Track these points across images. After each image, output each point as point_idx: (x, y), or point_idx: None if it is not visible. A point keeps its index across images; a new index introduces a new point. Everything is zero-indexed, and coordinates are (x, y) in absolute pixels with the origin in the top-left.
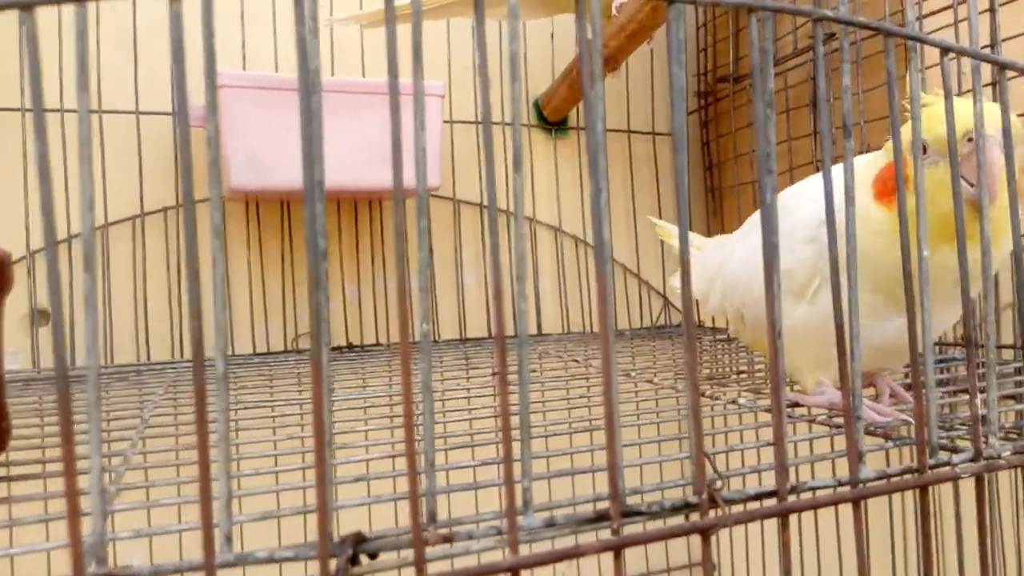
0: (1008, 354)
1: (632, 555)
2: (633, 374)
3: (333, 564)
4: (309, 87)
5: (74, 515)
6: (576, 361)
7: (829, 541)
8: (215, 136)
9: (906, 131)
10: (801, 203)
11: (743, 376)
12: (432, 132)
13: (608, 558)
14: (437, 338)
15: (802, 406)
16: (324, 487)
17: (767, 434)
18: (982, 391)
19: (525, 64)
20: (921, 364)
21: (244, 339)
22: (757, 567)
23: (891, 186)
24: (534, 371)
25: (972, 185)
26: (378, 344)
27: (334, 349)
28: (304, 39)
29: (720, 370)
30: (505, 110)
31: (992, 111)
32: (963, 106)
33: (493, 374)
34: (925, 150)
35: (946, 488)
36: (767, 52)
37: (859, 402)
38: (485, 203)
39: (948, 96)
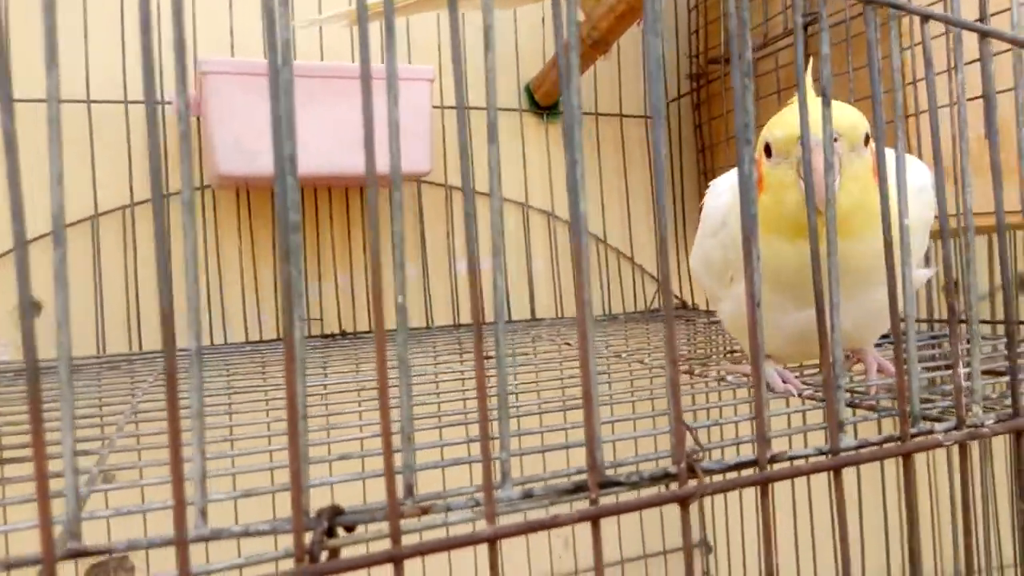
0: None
1: (628, 539)
2: (624, 355)
3: (309, 537)
4: (278, 59)
5: (43, 496)
6: (569, 344)
7: (823, 513)
8: (185, 111)
9: (761, 137)
10: (710, 197)
11: (736, 355)
12: (421, 116)
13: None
14: (430, 323)
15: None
16: (298, 461)
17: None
18: (968, 365)
19: (516, 50)
20: (904, 337)
21: (237, 327)
22: (752, 549)
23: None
24: (527, 354)
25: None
26: (371, 331)
27: (328, 336)
28: (272, 8)
29: (711, 350)
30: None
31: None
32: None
33: (487, 357)
34: (770, 152)
35: (941, 463)
36: (744, 22)
37: (839, 371)
38: (482, 189)
39: (929, 65)
